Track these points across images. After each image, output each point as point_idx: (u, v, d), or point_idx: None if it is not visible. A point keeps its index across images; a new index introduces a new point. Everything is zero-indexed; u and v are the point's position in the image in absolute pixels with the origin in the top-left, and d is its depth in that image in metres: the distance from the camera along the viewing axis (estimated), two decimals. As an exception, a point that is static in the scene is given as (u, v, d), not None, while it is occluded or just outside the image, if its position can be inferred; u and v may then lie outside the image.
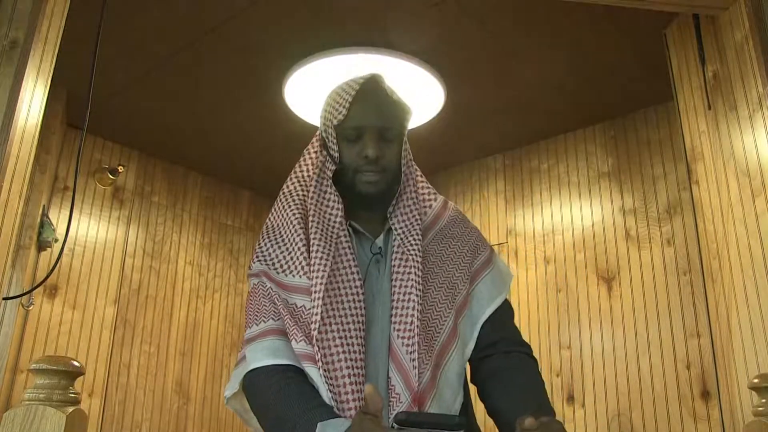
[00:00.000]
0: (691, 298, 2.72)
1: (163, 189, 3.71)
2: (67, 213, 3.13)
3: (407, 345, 1.09)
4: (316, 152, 1.28)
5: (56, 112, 2.94)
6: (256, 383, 1.10)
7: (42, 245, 2.94)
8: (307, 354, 1.07)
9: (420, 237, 1.19)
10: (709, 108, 2.01)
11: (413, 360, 1.08)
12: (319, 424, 0.97)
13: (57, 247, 3.02)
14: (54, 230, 2.96)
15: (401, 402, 1.06)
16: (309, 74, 2.74)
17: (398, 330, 1.11)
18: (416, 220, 1.22)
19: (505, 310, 1.24)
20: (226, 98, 3.06)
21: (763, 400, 1.29)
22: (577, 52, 2.66)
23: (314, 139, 1.30)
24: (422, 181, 1.31)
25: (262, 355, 1.09)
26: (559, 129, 3.31)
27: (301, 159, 1.31)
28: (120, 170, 3.37)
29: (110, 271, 3.35)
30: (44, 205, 2.99)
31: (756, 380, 1.32)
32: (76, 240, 3.24)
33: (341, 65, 2.68)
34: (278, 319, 1.13)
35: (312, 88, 2.85)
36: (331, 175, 1.22)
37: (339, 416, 1.00)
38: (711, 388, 2.57)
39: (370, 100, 1.20)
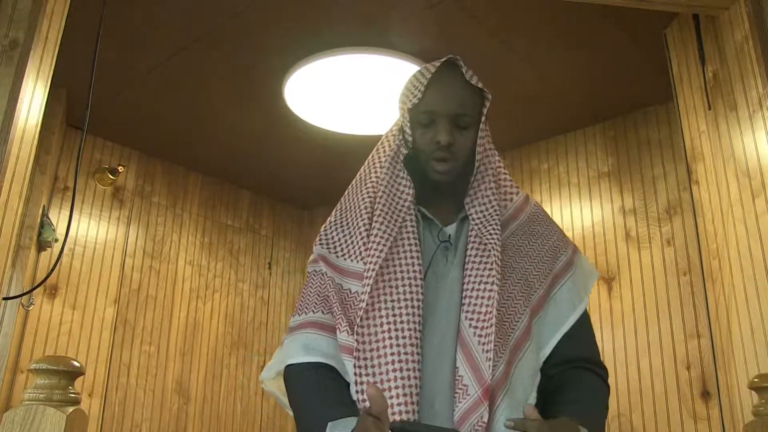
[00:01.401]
0: (691, 299, 2.72)
1: (163, 189, 3.71)
2: (67, 213, 3.13)
3: (480, 336, 1.04)
4: (393, 136, 1.24)
5: (56, 112, 2.94)
6: (288, 379, 1.12)
7: (42, 245, 2.93)
8: (348, 347, 1.05)
9: (499, 227, 1.15)
10: (709, 108, 2.01)
11: (487, 352, 1.02)
12: (329, 424, 0.98)
13: (57, 247, 3.02)
14: (54, 230, 2.96)
15: (468, 395, 1.02)
16: (309, 74, 2.74)
17: (471, 320, 1.07)
18: (495, 210, 1.17)
19: (584, 323, 1.18)
20: (226, 98, 3.06)
21: (763, 401, 1.29)
22: (577, 52, 2.66)
23: (393, 125, 1.28)
24: (504, 173, 1.26)
25: (295, 352, 1.11)
26: (559, 129, 3.31)
27: (379, 144, 1.29)
28: (120, 170, 3.37)
29: (110, 271, 3.35)
30: (44, 205, 2.99)
31: (756, 380, 1.32)
32: (76, 240, 3.24)
33: (341, 65, 2.68)
34: (318, 311, 1.13)
35: (312, 88, 2.85)
36: (403, 159, 1.20)
37: (352, 414, 1.00)
38: (711, 389, 2.57)
39: (444, 85, 1.17)
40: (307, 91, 2.87)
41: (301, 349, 1.10)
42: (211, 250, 3.87)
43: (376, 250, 1.10)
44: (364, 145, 3.33)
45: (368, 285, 1.07)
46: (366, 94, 2.89)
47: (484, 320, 1.06)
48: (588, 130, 3.27)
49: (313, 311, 1.14)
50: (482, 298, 1.07)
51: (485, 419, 0.98)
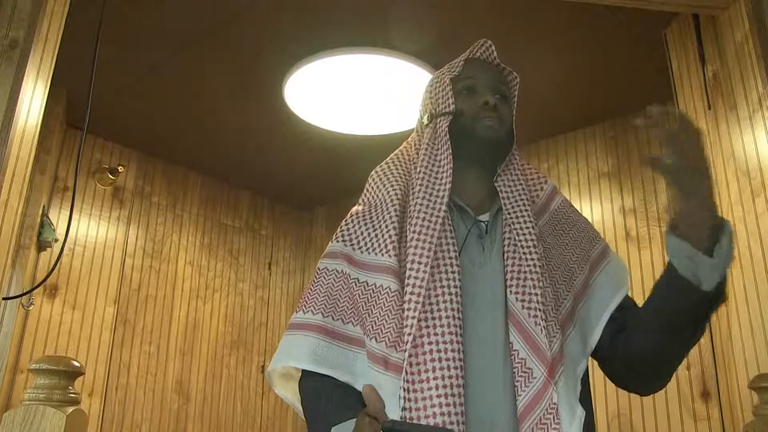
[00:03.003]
0: (691, 298, 2.72)
1: (163, 189, 3.71)
2: (67, 213, 3.13)
3: (536, 316, 1.01)
4: (423, 124, 1.23)
5: (56, 112, 2.94)
6: (302, 387, 1.10)
7: (42, 245, 2.93)
8: (374, 354, 1.01)
9: (530, 208, 1.14)
10: (709, 108, 2.01)
11: (543, 329, 0.99)
12: (333, 429, 0.97)
13: (57, 247, 3.02)
14: (54, 230, 2.96)
15: (534, 378, 0.97)
16: (309, 74, 2.74)
17: (522, 301, 1.03)
18: (523, 189, 1.17)
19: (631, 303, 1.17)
20: (226, 98, 3.06)
21: (763, 401, 1.29)
22: (577, 52, 2.66)
23: (415, 128, 1.28)
24: (529, 167, 1.29)
25: (306, 357, 1.06)
26: (559, 129, 3.31)
27: (401, 146, 1.28)
28: (120, 170, 3.37)
29: (110, 271, 3.35)
30: (44, 205, 2.99)
31: (756, 380, 1.32)
32: (76, 240, 3.24)
33: (341, 65, 2.68)
34: (328, 315, 1.08)
35: (312, 88, 2.85)
36: (446, 128, 1.16)
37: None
38: (711, 388, 2.57)
39: (481, 61, 1.25)
40: (307, 91, 2.87)
41: (308, 355, 1.06)
42: (211, 250, 3.87)
43: (424, 240, 1.05)
44: (364, 145, 3.35)
45: (424, 271, 1.01)
46: (366, 94, 2.89)
47: (537, 301, 1.02)
48: (588, 130, 3.27)
49: (322, 314, 1.09)
50: (531, 280, 1.04)
51: (555, 400, 0.95)
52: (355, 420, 0.97)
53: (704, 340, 2.63)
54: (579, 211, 1.31)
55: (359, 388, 1.02)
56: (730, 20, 1.91)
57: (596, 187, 3.16)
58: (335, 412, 1.00)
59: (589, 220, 3.08)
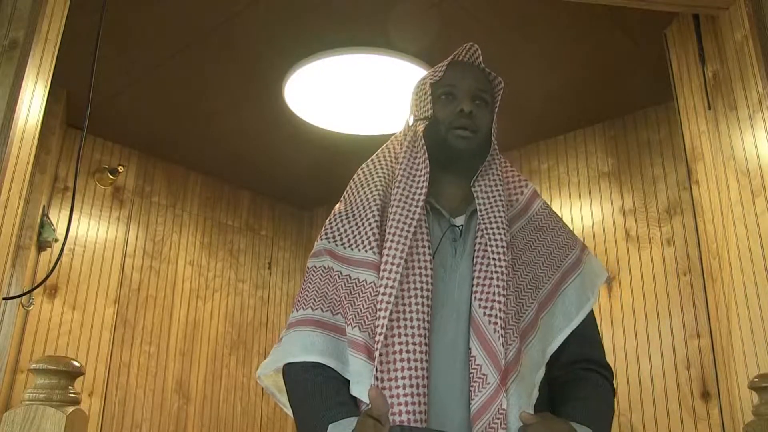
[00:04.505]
0: (691, 298, 2.72)
1: (163, 189, 3.71)
2: (67, 213, 3.13)
3: (496, 323, 1.03)
4: (408, 125, 1.27)
5: (56, 112, 2.94)
6: (288, 380, 1.11)
7: (42, 245, 2.93)
8: (358, 342, 1.03)
9: (505, 214, 1.15)
10: (709, 108, 2.00)
11: (502, 337, 1.01)
12: (330, 426, 0.97)
13: (57, 247, 3.02)
14: (54, 230, 2.96)
15: (488, 384, 1.00)
16: (309, 74, 2.74)
17: (485, 308, 1.05)
18: (500, 194, 1.18)
19: (590, 324, 1.18)
20: (226, 98, 3.06)
21: (763, 401, 1.29)
22: (577, 52, 2.66)
23: (399, 132, 1.31)
24: (511, 169, 1.30)
25: (297, 350, 1.09)
26: (559, 129, 3.31)
27: (387, 142, 1.30)
28: (120, 170, 3.37)
29: (110, 271, 3.35)
30: (44, 205, 2.99)
31: (756, 380, 1.32)
32: (76, 240, 3.24)
33: (341, 65, 2.68)
34: (317, 308, 1.11)
35: (312, 89, 2.85)
36: (422, 132, 1.20)
37: (352, 415, 1.00)
38: (711, 388, 2.57)
39: (464, 66, 1.26)
40: (307, 91, 2.87)
41: (301, 347, 1.09)
42: (211, 250, 3.86)
43: (398, 241, 1.08)
44: (364, 145, 3.34)
45: (396, 272, 1.04)
46: (366, 94, 2.89)
47: (498, 309, 1.04)
48: (588, 130, 3.27)
49: (312, 308, 1.12)
50: (495, 287, 1.06)
51: (505, 406, 0.97)
52: (352, 419, 0.97)
53: (704, 340, 2.63)
54: (560, 215, 1.32)
55: (347, 376, 1.05)
56: (730, 20, 1.91)
57: (596, 187, 3.16)
58: (331, 408, 1.01)
59: (589, 220, 3.11)
